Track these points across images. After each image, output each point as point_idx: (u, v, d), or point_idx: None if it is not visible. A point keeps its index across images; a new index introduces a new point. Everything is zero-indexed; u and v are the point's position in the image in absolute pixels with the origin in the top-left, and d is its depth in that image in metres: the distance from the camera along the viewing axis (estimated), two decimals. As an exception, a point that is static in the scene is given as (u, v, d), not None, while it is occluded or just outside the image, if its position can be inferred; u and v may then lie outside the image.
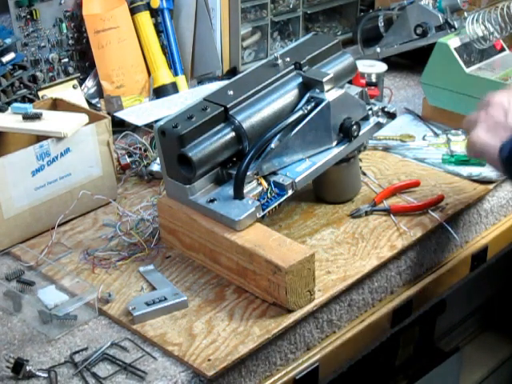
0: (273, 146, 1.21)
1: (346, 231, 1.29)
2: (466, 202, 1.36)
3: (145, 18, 1.75)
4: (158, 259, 1.24)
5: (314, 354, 1.16)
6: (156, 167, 1.45)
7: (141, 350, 1.06)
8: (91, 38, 1.70)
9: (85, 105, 1.61)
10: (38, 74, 1.66)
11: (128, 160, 1.49)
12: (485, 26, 1.60)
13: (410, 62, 1.95)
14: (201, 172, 1.18)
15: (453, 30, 1.77)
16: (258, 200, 1.18)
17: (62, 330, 1.10)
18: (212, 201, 1.18)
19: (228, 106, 1.20)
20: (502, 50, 1.69)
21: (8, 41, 1.57)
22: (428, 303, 1.35)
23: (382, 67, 1.73)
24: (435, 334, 1.94)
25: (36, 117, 1.33)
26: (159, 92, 1.74)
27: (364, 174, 1.43)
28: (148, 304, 1.11)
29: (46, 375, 1.02)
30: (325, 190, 1.36)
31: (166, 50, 1.79)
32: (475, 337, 2.15)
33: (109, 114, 1.56)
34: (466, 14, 1.69)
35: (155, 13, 1.78)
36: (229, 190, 1.18)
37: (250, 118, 1.21)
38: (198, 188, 1.19)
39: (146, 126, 1.58)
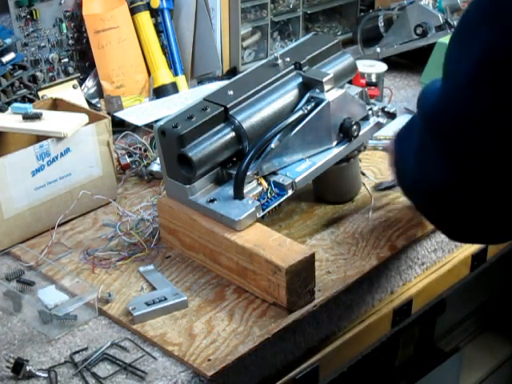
0: (273, 146, 1.21)
1: (345, 231, 1.29)
2: (466, 201, 1.36)
3: (145, 17, 1.75)
4: (157, 259, 1.24)
5: (313, 354, 1.16)
6: (156, 167, 1.45)
7: (141, 349, 1.06)
8: (91, 38, 1.70)
9: (85, 105, 1.61)
10: (38, 73, 1.66)
11: (128, 160, 1.49)
12: (485, 26, 1.60)
13: (410, 62, 1.95)
14: (201, 172, 1.18)
15: (453, 29, 1.77)
16: (258, 200, 1.18)
17: (62, 330, 1.10)
18: (212, 201, 1.18)
19: (228, 106, 1.20)
20: (502, 50, 1.69)
21: (8, 41, 1.57)
22: (428, 303, 1.35)
23: (382, 67, 1.73)
24: (435, 334, 1.94)
25: (36, 117, 1.33)
26: (159, 92, 1.74)
27: (363, 174, 1.43)
28: (148, 304, 1.11)
29: (46, 375, 1.02)
30: (325, 190, 1.36)
31: (166, 50, 1.79)
32: (475, 337, 2.15)
33: (109, 113, 1.56)
34: (465, 13, 1.69)
35: (155, 13, 1.78)
36: (229, 190, 1.18)
37: (250, 118, 1.21)
38: (198, 188, 1.19)
39: (146, 125, 1.58)
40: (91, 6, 1.70)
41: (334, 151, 1.28)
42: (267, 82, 1.26)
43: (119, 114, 1.64)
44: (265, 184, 1.20)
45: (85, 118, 1.34)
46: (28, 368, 1.01)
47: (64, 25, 1.69)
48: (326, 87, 1.25)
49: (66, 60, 1.71)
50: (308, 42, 1.37)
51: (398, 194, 1.37)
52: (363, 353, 1.27)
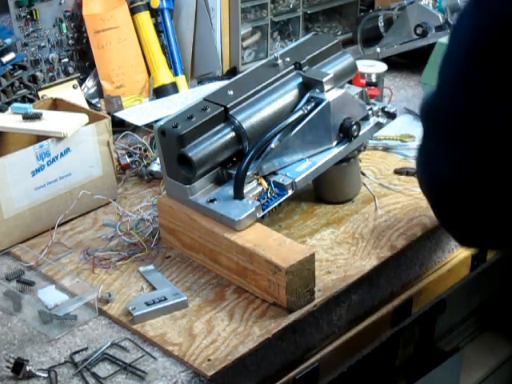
0: (273, 146, 1.21)
1: (345, 231, 1.29)
2: (466, 201, 1.36)
3: (145, 17, 1.75)
4: (157, 259, 1.24)
5: (313, 353, 1.16)
6: (156, 167, 1.45)
7: (141, 349, 1.06)
8: (91, 38, 1.70)
9: (85, 105, 1.61)
10: (38, 73, 1.66)
11: (128, 160, 1.49)
12: (485, 26, 1.60)
13: (410, 62, 1.95)
14: (201, 172, 1.18)
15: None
16: (258, 200, 1.18)
17: (62, 330, 1.10)
18: (212, 201, 1.18)
19: (228, 106, 1.20)
20: (502, 49, 1.69)
21: (8, 41, 1.57)
22: (428, 303, 1.35)
23: (382, 67, 1.73)
24: (435, 334, 1.94)
25: (36, 117, 1.33)
26: (159, 92, 1.74)
27: (363, 174, 1.43)
28: (148, 304, 1.11)
29: (46, 375, 1.02)
30: (325, 190, 1.36)
31: (166, 50, 1.79)
32: (475, 337, 2.15)
33: (109, 113, 1.56)
34: (466, 13, 1.69)
35: (155, 13, 1.78)
36: (229, 190, 1.18)
37: (250, 118, 1.21)
38: (198, 188, 1.19)
39: (146, 125, 1.58)
40: (91, 6, 1.70)
41: (334, 151, 1.28)
42: (267, 82, 1.26)
43: (119, 114, 1.64)
44: (265, 184, 1.20)
45: (85, 117, 1.34)
46: (28, 368, 1.01)
47: (64, 25, 1.69)
48: (326, 87, 1.25)
49: (66, 60, 1.71)
50: (308, 42, 1.37)
51: (399, 193, 1.38)
52: (363, 353, 1.27)
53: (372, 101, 1.38)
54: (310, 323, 1.14)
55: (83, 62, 1.74)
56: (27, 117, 1.33)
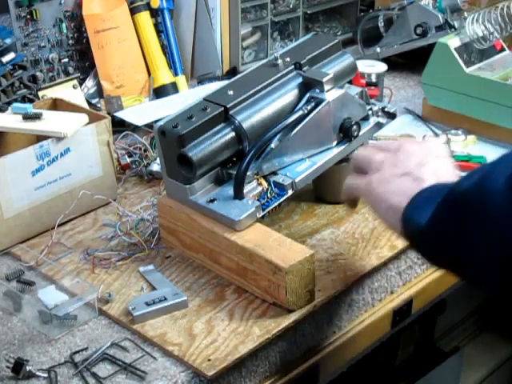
0: (273, 146, 1.21)
1: (345, 231, 1.29)
2: (466, 201, 1.36)
3: (145, 17, 1.75)
4: (158, 259, 1.24)
5: (314, 353, 1.16)
6: (156, 167, 1.45)
7: (141, 349, 1.06)
8: (91, 38, 1.70)
9: (85, 105, 1.61)
10: (38, 73, 1.66)
11: (128, 160, 1.49)
12: (485, 26, 1.60)
13: (410, 62, 1.95)
14: (201, 172, 1.18)
15: (453, 29, 1.77)
16: (258, 200, 1.18)
17: (62, 330, 1.10)
18: (212, 201, 1.18)
19: (228, 106, 1.20)
20: (502, 50, 1.69)
21: (8, 41, 1.57)
22: (428, 303, 1.35)
23: (382, 67, 1.73)
24: (435, 334, 1.94)
25: (36, 117, 1.33)
26: (159, 92, 1.74)
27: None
28: (148, 304, 1.11)
29: (46, 375, 1.02)
30: (325, 190, 1.36)
31: (166, 50, 1.79)
32: (475, 337, 2.15)
33: (109, 113, 1.56)
34: (465, 14, 1.69)
35: (155, 13, 1.78)
36: (229, 190, 1.18)
37: (250, 118, 1.21)
38: (198, 188, 1.19)
39: (146, 125, 1.58)
40: (91, 6, 1.70)
41: (334, 151, 1.27)
42: (267, 82, 1.26)
43: (119, 114, 1.64)
44: (265, 184, 1.20)
45: (85, 117, 1.34)
46: (28, 368, 1.01)
47: (64, 25, 1.69)
48: (326, 87, 1.25)
49: (66, 60, 1.71)
50: (308, 42, 1.37)
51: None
52: (363, 353, 1.27)
53: (372, 101, 1.38)
54: (309, 323, 1.14)
55: (83, 62, 1.74)
56: (27, 117, 1.33)
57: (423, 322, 1.78)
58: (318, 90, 1.26)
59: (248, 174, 1.17)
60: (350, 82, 1.38)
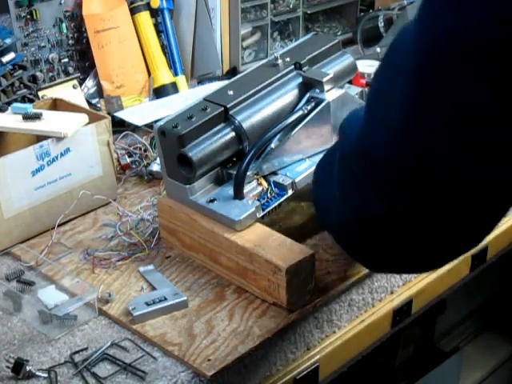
0: (273, 146, 1.21)
1: (346, 231, 1.29)
2: (466, 201, 1.36)
3: (145, 17, 1.75)
4: (158, 259, 1.24)
5: (314, 354, 1.16)
6: (156, 167, 1.45)
7: (141, 349, 1.06)
8: (91, 38, 1.70)
9: (85, 105, 1.61)
10: (38, 73, 1.66)
11: (128, 160, 1.48)
12: (485, 26, 1.60)
13: (410, 62, 1.94)
14: (201, 172, 1.18)
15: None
16: (258, 200, 1.18)
17: (62, 330, 1.10)
18: (212, 201, 1.18)
19: (228, 106, 1.20)
20: (502, 49, 1.69)
21: (8, 41, 1.57)
22: (428, 303, 1.35)
23: (382, 67, 1.73)
24: (435, 334, 1.94)
25: (36, 117, 1.33)
26: (159, 92, 1.74)
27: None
28: (148, 304, 1.11)
29: (46, 375, 1.02)
30: (325, 190, 1.36)
31: (166, 50, 1.79)
32: (475, 337, 2.15)
33: (109, 113, 1.56)
34: (465, 14, 1.69)
35: (155, 13, 1.78)
36: (229, 190, 1.18)
37: (250, 118, 1.21)
38: (198, 188, 1.19)
39: (146, 125, 1.58)
40: (91, 6, 1.70)
41: (334, 151, 1.27)
42: (267, 82, 1.26)
43: (119, 114, 1.64)
44: (265, 184, 1.20)
45: (85, 117, 1.34)
46: (28, 368, 1.01)
47: (64, 25, 1.69)
48: (326, 87, 1.25)
49: (66, 60, 1.71)
50: (308, 42, 1.37)
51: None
52: (363, 353, 1.27)
53: (372, 101, 1.38)
54: (309, 323, 1.14)
55: (83, 62, 1.74)
56: (27, 117, 1.33)
57: (423, 321, 1.78)
58: (318, 90, 1.26)
59: (248, 174, 1.17)
60: (350, 82, 1.38)
